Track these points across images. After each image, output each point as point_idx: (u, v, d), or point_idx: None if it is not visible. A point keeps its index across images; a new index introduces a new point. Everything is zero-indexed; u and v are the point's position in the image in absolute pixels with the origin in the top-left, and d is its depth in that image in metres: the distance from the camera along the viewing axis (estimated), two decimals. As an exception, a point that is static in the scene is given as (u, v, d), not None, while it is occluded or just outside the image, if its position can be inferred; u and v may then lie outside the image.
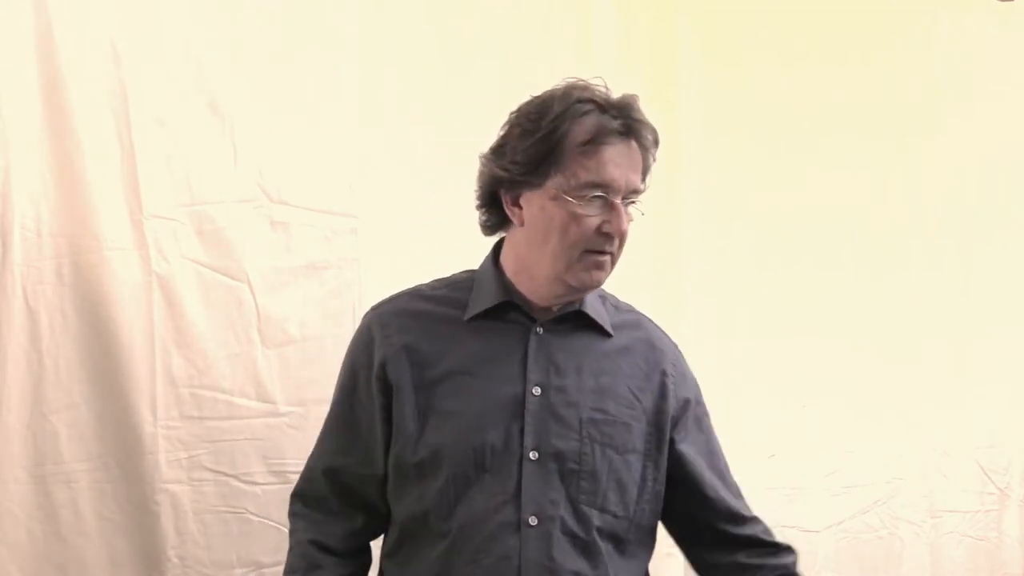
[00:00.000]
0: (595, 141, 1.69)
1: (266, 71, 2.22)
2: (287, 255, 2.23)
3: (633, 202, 1.73)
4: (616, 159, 1.70)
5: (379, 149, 2.33)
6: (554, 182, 1.70)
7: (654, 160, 1.77)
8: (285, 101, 2.24)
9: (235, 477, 2.15)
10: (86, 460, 2.04)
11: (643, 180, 1.75)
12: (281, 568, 2.15)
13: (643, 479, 1.78)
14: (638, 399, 1.80)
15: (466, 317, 1.80)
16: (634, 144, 1.72)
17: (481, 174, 1.80)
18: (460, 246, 2.32)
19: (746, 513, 1.89)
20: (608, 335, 1.82)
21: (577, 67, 2.54)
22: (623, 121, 1.71)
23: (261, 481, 2.17)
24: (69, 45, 2.02)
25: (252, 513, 2.16)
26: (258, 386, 2.17)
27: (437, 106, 2.38)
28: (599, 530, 1.73)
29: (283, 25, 2.24)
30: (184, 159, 2.13)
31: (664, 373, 1.83)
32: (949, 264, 2.80)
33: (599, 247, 1.71)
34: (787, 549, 1.90)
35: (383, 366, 1.79)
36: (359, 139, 2.31)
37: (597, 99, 1.71)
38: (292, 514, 1.91)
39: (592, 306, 1.82)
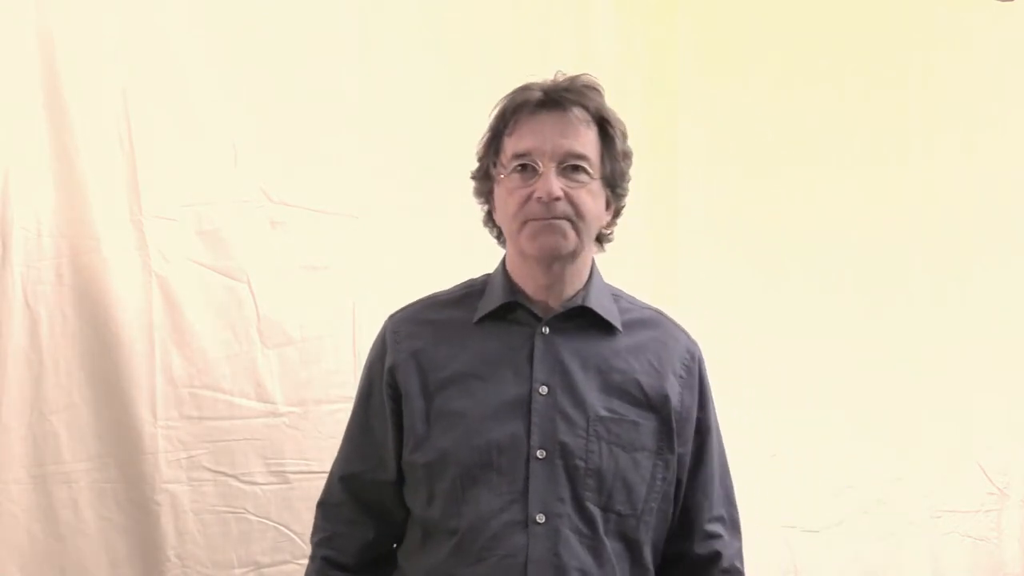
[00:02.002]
0: (514, 115, 1.76)
1: (266, 72, 2.22)
2: (287, 255, 2.23)
3: (578, 167, 1.75)
4: (536, 128, 1.75)
5: (379, 149, 2.33)
6: (496, 170, 1.79)
7: (613, 131, 1.80)
8: (285, 101, 2.24)
9: (235, 477, 2.15)
10: (86, 460, 2.04)
11: (603, 152, 1.78)
12: (280, 568, 2.17)
13: (652, 477, 1.78)
14: (648, 397, 1.79)
15: (474, 320, 1.82)
16: (569, 114, 1.75)
17: (473, 192, 1.88)
18: (460, 246, 2.33)
19: (710, 531, 1.86)
20: (616, 332, 1.82)
21: (577, 67, 2.55)
22: (545, 94, 1.76)
23: (261, 481, 2.17)
24: (69, 45, 2.03)
25: (252, 513, 2.16)
26: (258, 386, 2.18)
27: (437, 107, 2.38)
28: (605, 528, 1.74)
29: (283, 26, 2.25)
30: (184, 159, 2.14)
31: (674, 373, 1.83)
32: (950, 266, 2.79)
33: (536, 215, 1.72)
34: None
35: (392, 372, 1.81)
36: (359, 139, 2.31)
37: (531, 84, 1.78)
38: (313, 525, 1.92)
39: (597, 301, 1.82)
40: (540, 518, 1.71)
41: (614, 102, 2.61)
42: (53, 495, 2.02)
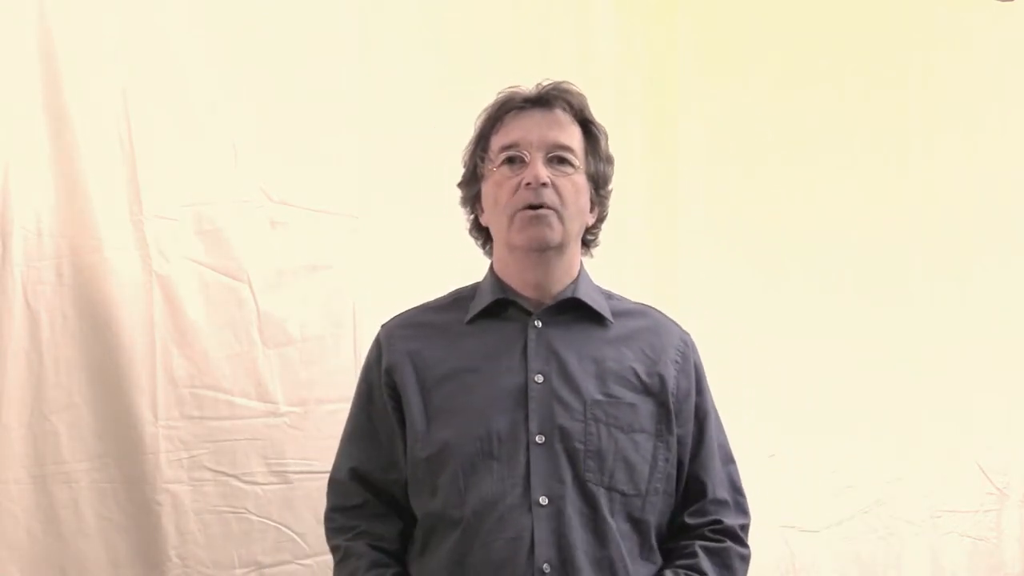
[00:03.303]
0: (500, 113, 1.84)
1: (266, 72, 2.22)
2: (287, 255, 2.23)
3: (564, 158, 1.82)
4: (522, 123, 1.83)
5: (379, 149, 2.33)
6: (484, 167, 1.85)
7: (597, 131, 1.87)
8: (285, 101, 2.24)
9: (236, 477, 2.15)
10: (86, 460, 2.04)
11: (588, 149, 1.85)
12: (281, 568, 2.17)
13: (654, 458, 1.80)
14: (643, 382, 1.82)
15: (466, 319, 1.86)
16: (555, 111, 1.84)
17: (460, 201, 1.95)
18: (460, 246, 2.33)
19: (712, 510, 1.86)
20: (607, 323, 1.86)
21: (577, 68, 2.57)
22: (531, 93, 1.85)
23: (262, 481, 2.16)
24: (69, 45, 2.03)
25: (252, 513, 2.15)
26: (258, 386, 2.17)
27: (437, 106, 2.38)
28: (609, 509, 1.75)
29: (283, 26, 2.24)
30: (184, 159, 2.13)
31: (670, 359, 1.86)
32: (950, 266, 2.79)
33: (525, 202, 1.78)
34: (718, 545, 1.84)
35: (389, 373, 1.85)
36: (359, 139, 2.31)
37: (516, 90, 1.86)
38: (333, 530, 1.89)
39: (587, 293, 1.86)
40: (543, 500, 1.73)
41: (614, 102, 2.63)
42: (53, 495, 2.01)
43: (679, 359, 1.87)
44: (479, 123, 1.89)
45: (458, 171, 2.38)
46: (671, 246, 2.72)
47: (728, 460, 1.93)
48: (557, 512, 1.73)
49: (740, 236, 2.71)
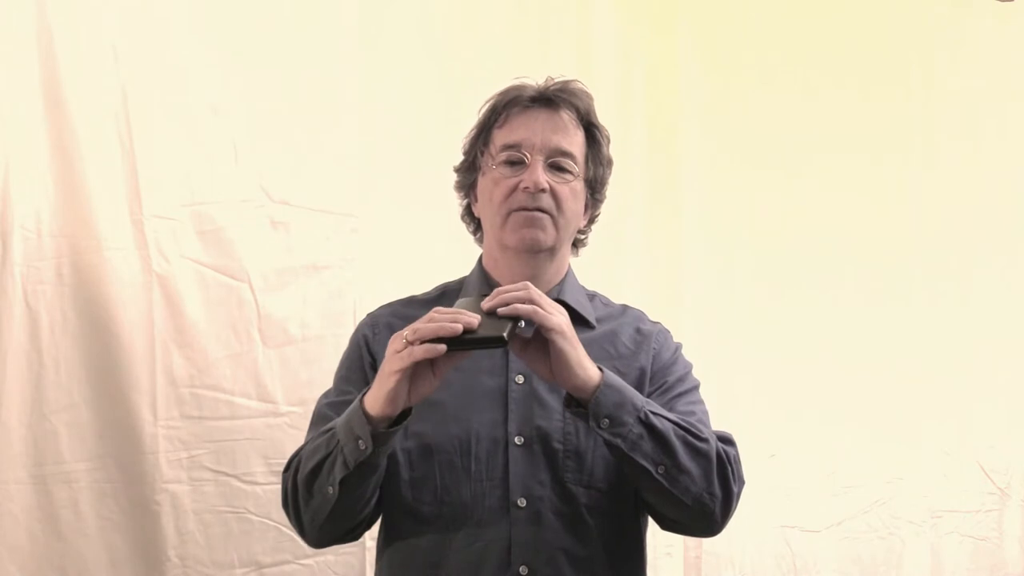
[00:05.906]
0: (506, 109, 1.82)
1: (266, 71, 2.22)
2: (287, 255, 2.23)
3: (565, 165, 1.80)
4: (527, 122, 1.80)
5: (379, 149, 2.33)
6: (484, 161, 1.83)
7: (600, 135, 1.85)
8: (285, 101, 2.24)
9: (235, 477, 2.15)
10: (86, 460, 2.04)
11: (589, 155, 1.83)
12: (281, 567, 2.17)
13: None
14: (622, 373, 1.78)
15: None
16: (561, 113, 1.81)
17: (455, 185, 1.92)
18: (460, 246, 2.33)
19: None
20: (591, 326, 1.84)
21: (577, 69, 2.58)
22: (538, 92, 1.82)
23: (261, 481, 2.17)
24: (69, 45, 2.03)
25: (252, 513, 2.15)
26: (258, 386, 2.18)
27: (436, 106, 2.38)
28: (587, 507, 1.74)
29: (283, 26, 2.25)
30: (184, 159, 2.14)
31: (649, 350, 1.85)
32: (950, 266, 2.79)
33: (521, 204, 1.77)
34: None
35: (374, 360, 1.81)
36: (359, 139, 2.32)
37: (524, 84, 1.84)
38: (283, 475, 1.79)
39: (572, 296, 1.85)
40: (521, 502, 1.72)
41: (614, 102, 2.64)
42: (53, 495, 2.01)
43: (657, 347, 1.85)
44: (483, 112, 1.87)
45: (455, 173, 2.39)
46: (671, 246, 2.73)
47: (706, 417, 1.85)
48: (535, 514, 1.71)
49: (740, 236, 2.72)
